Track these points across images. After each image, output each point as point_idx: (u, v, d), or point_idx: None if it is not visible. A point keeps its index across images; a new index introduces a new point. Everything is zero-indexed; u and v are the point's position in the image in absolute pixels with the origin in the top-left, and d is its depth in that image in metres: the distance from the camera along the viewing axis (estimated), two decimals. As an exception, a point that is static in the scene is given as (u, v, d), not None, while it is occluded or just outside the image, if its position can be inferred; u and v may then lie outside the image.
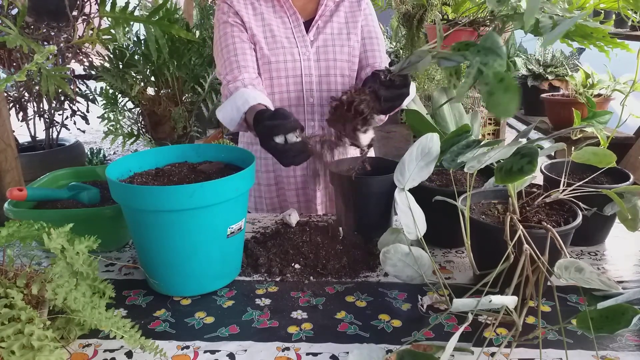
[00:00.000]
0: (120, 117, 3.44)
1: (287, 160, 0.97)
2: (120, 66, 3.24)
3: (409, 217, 0.82)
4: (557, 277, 0.73)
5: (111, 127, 3.41)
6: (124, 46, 3.27)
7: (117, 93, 3.39)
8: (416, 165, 0.84)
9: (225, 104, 1.25)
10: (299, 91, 1.37)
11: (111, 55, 3.23)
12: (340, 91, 1.36)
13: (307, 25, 1.38)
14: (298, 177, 1.43)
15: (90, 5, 2.70)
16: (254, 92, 1.24)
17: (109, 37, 2.48)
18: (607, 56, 1.20)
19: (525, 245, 0.76)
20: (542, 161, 1.11)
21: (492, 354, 0.74)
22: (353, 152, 1.44)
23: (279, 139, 0.95)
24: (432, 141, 0.84)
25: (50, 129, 3.41)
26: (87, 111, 3.47)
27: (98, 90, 3.54)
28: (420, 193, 1.07)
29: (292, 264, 1.00)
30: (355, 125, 0.95)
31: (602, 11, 1.38)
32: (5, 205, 1.07)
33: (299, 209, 1.44)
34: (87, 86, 3.55)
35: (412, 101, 1.21)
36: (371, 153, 1.55)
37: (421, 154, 0.84)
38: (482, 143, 0.86)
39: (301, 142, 0.96)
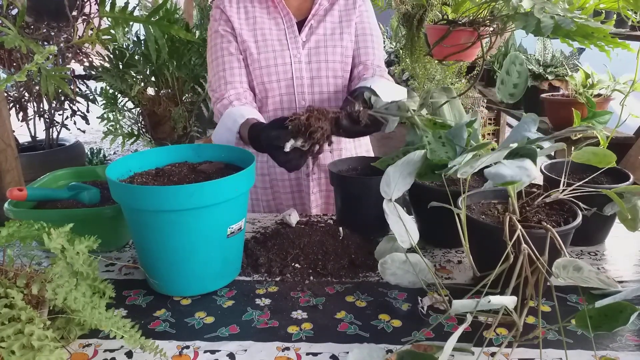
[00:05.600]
0: (120, 117, 3.43)
1: (290, 166, 1.02)
2: (120, 66, 3.24)
3: (401, 226, 0.82)
4: (555, 277, 0.73)
5: (111, 127, 3.41)
6: (124, 46, 3.27)
7: (117, 93, 3.39)
8: (400, 174, 0.84)
9: (217, 128, 1.30)
10: (290, 94, 1.36)
11: (111, 56, 3.22)
12: (332, 92, 1.37)
13: (302, 25, 1.37)
14: (292, 179, 1.43)
15: (90, 5, 2.70)
16: (240, 109, 1.27)
17: (109, 37, 2.48)
18: (607, 56, 1.20)
19: (524, 245, 0.76)
20: (542, 161, 1.11)
21: (493, 354, 0.74)
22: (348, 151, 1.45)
23: (280, 148, 1.00)
24: (417, 155, 0.84)
25: (51, 129, 3.41)
26: (87, 111, 3.47)
27: (98, 90, 3.54)
28: (419, 193, 1.07)
29: (292, 264, 1.00)
30: (307, 143, 0.99)
31: (603, 11, 1.38)
32: (5, 205, 1.07)
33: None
34: (87, 86, 3.55)
35: (412, 101, 1.21)
36: (370, 153, 1.55)
37: (406, 163, 0.84)
38: (470, 147, 0.86)
39: (298, 149, 1.00)
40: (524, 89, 0.89)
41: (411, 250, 0.84)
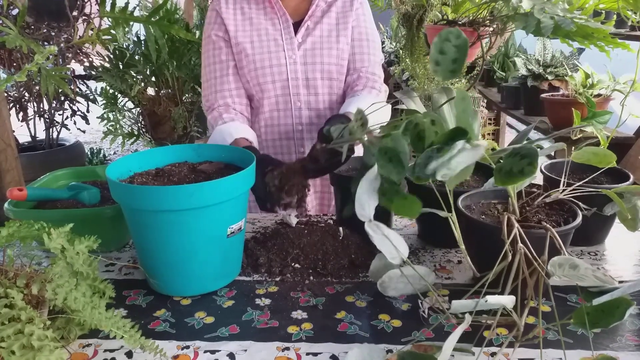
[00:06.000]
0: (120, 117, 3.44)
1: (265, 207, 1.10)
2: (120, 66, 3.24)
3: (388, 244, 0.80)
4: (551, 274, 0.73)
5: (111, 127, 3.41)
6: (124, 46, 3.27)
7: (117, 93, 3.39)
8: (368, 195, 0.82)
9: (209, 142, 1.31)
10: (286, 95, 1.36)
11: (111, 56, 3.23)
12: (327, 95, 1.37)
13: (299, 26, 1.36)
14: None
15: (91, 6, 2.70)
16: (229, 127, 1.29)
17: (109, 37, 2.48)
18: (607, 56, 1.21)
19: (520, 244, 0.76)
20: (542, 161, 1.11)
21: (493, 354, 0.74)
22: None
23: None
24: (373, 173, 0.82)
25: (51, 129, 3.41)
26: (87, 111, 3.48)
27: (98, 90, 3.54)
28: (420, 192, 1.07)
29: (292, 264, 1.00)
30: (287, 201, 1.07)
31: (602, 12, 1.38)
32: (5, 205, 1.07)
33: None
34: (87, 86, 3.55)
35: (412, 101, 1.20)
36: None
37: (369, 183, 0.82)
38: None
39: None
40: (464, 62, 0.84)
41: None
